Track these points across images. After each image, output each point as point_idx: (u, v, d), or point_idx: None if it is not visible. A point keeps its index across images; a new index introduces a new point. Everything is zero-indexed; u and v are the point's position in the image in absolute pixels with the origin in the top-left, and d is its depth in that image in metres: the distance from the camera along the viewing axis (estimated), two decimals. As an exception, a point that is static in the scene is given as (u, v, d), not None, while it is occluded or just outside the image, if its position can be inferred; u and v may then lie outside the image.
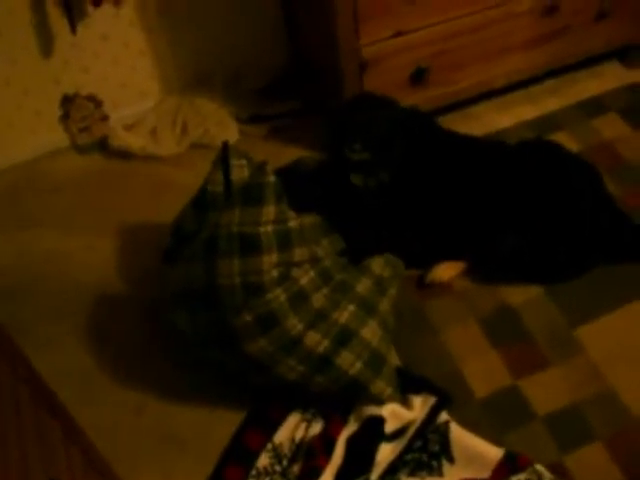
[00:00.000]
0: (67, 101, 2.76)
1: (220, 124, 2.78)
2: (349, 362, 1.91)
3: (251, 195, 1.90)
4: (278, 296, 1.85)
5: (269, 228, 1.86)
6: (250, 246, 1.84)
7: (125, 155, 2.78)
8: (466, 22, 2.47)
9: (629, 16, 2.70)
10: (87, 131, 2.80)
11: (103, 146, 2.82)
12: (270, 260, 1.84)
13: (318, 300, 1.92)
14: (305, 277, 1.91)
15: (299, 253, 1.92)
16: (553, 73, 2.83)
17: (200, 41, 2.79)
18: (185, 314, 1.96)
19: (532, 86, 2.83)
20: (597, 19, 2.66)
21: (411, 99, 2.50)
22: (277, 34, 2.88)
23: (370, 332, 1.96)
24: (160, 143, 2.76)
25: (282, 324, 1.86)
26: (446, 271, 2.28)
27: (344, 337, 1.91)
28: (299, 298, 1.88)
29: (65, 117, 2.78)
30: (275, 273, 1.85)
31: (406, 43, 2.44)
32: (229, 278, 1.83)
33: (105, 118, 2.81)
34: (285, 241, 1.89)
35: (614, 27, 2.72)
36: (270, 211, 1.88)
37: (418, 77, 2.54)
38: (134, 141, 2.77)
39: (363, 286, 2.03)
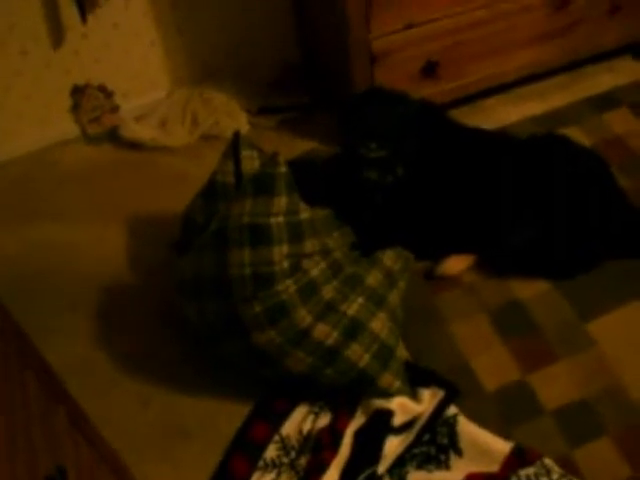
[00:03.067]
0: (77, 91, 2.76)
1: (230, 115, 2.77)
2: (358, 354, 1.90)
3: (262, 185, 1.89)
4: (288, 287, 1.84)
5: (280, 219, 1.86)
6: (261, 237, 1.83)
7: (135, 146, 2.77)
8: (477, 15, 2.46)
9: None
10: (97, 122, 2.80)
11: (113, 137, 2.82)
12: (281, 251, 1.84)
13: (328, 292, 1.92)
14: (316, 269, 1.91)
15: (310, 244, 1.91)
16: (565, 68, 2.81)
17: (211, 33, 2.79)
18: (194, 305, 1.96)
19: (543, 80, 2.82)
20: (610, 13, 2.65)
21: (422, 92, 2.49)
22: (287, 26, 2.87)
23: (379, 325, 1.95)
24: (170, 134, 2.76)
25: (291, 315, 1.85)
26: (456, 264, 2.27)
27: (353, 329, 1.91)
28: (309, 290, 1.88)
29: (75, 107, 2.78)
30: (286, 264, 1.84)
31: (417, 36, 2.43)
32: (239, 268, 1.83)
33: (115, 109, 2.81)
34: (296, 232, 1.88)
35: (627, 22, 2.70)
36: (282, 202, 1.87)
37: (429, 70, 2.53)
38: (144, 132, 2.77)
39: (373, 278, 2.02)
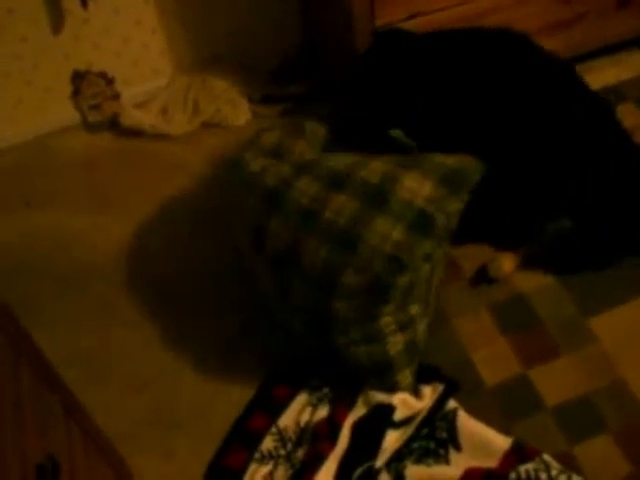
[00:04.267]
0: (78, 77, 2.73)
1: (231, 104, 2.75)
2: (394, 344, 1.90)
3: (453, 184, 1.82)
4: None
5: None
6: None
7: (136, 133, 2.75)
8: (483, 6, 2.43)
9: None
10: (98, 109, 2.77)
11: (114, 124, 2.80)
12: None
13: (419, 289, 1.90)
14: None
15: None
16: (571, 61, 2.78)
17: (213, 20, 2.76)
18: None
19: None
20: (618, 6, 2.61)
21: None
22: (291, 14, 2.84)
23: (422, 326, 1.97)
24: (171, 122, 2.74)
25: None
26: (509, 263, 2.20)
27: (407, 326, 1.90)
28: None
29: (75, 94, 2.76)
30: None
31: (421, 25, 2.39)
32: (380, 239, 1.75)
33: (116, 96, 2.78)
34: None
35: (636, 14, 2.67)
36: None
37: (433, 61, 2.51)
38: (145, 119, 2.74)
39: (434, 280, 2.01)
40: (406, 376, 1.95)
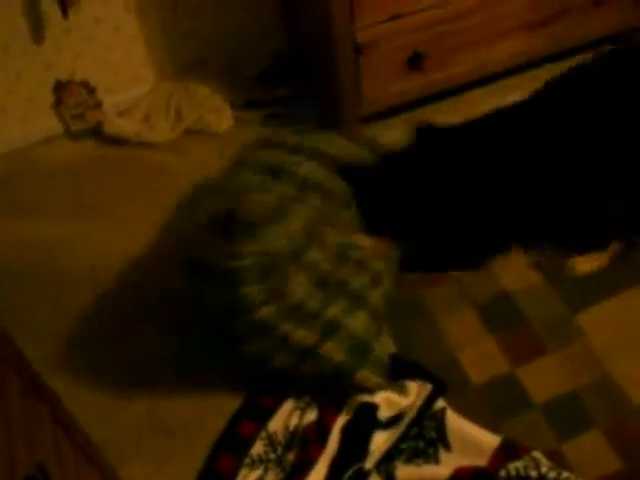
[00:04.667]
0: (60, 87, 2.72)
1: (215, 110, 2.75)
2: (333, 351, 1.89)
3: None
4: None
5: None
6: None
7: (119, 141, 2.74)
8: (464, 4, 2.43)
9: (629, 0, 2.67)
10: (80, 117, 2.77)
11: (97, 132, 2.79)
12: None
13: (311, 304, 1.91)
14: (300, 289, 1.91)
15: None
16: (551, 58, 2.79)
17: (195, 26, 2.76)
18: None
19: (530, 71, 2.80)
20: (596, 2, 2.63)
21: (407, 85, 2.48)
22: (273, 18, 2.84)
23: (357, 322, 1.94)
24: (154, 129, 2.73)
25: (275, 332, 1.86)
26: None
27: (330, 329, 1.90)
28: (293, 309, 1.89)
29: (58, 103, 2.75)
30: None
31: (403, 27, 2.40)
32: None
33: (98, 104, 2.78)
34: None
35: (614, 11, 2.68)
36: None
37: (415, 62, 2.51)
38: (128, 127, 2.74)
39: (359, 282, 2.00)
40: (367, 376, 1.93)
